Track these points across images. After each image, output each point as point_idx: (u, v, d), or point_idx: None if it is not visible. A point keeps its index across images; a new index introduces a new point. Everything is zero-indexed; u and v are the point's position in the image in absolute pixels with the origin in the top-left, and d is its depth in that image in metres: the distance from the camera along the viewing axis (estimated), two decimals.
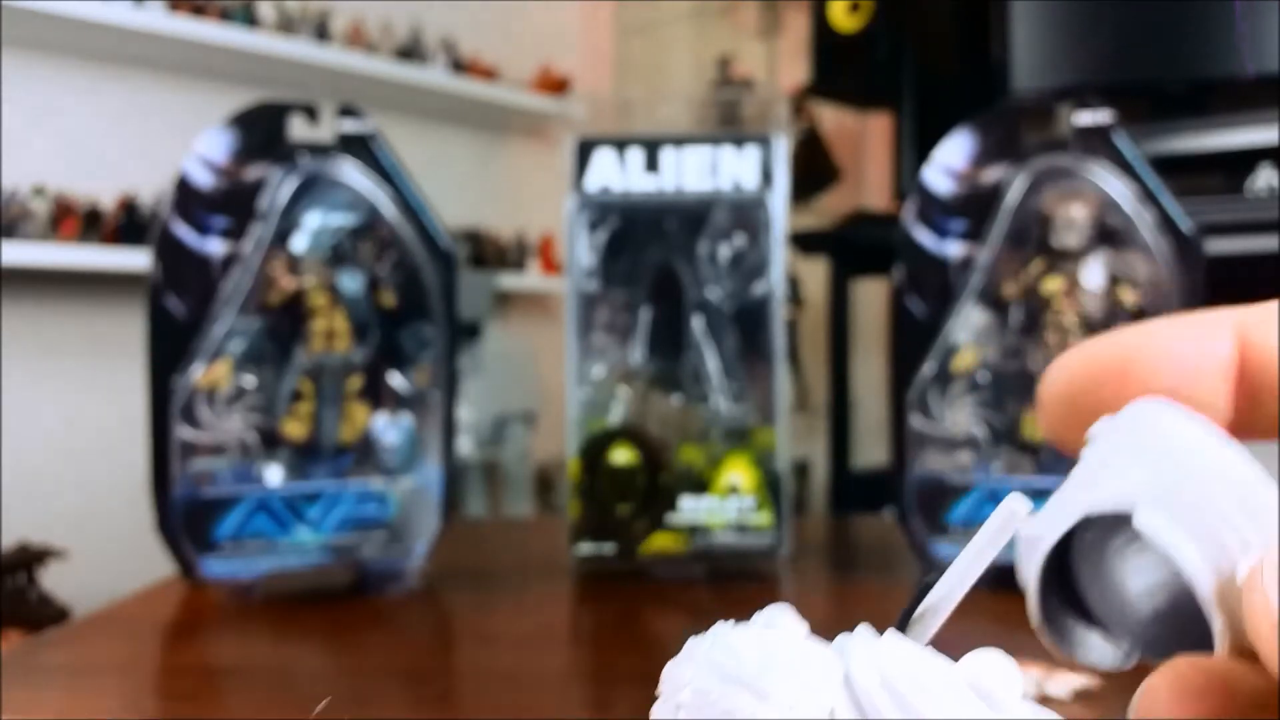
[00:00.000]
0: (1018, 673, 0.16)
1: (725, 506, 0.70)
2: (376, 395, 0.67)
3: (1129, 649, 0.18)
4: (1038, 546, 0.18)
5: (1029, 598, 0.18)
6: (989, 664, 0.17)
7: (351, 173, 0.67)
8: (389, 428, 0.67)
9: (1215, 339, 0.18)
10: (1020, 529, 0.18)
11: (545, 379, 3.09)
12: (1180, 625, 0.18)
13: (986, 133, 0.68)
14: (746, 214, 0.71)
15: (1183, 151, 1.35)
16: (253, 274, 0.64)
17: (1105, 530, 0.18)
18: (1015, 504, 0.18)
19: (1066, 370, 0.19)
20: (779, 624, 0.18)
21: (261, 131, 0.66)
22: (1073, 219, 0.66)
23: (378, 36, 2.80)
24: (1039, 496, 0.18)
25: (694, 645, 0.18)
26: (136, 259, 2.21)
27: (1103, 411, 0.18)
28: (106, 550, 2.04)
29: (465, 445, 2.65)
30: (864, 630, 0.17)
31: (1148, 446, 0.17)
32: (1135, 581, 0.18)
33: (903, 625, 0.18)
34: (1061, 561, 0.19)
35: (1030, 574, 0.18)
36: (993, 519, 0.19)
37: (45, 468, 2.30)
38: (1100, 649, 0.18)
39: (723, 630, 0.17)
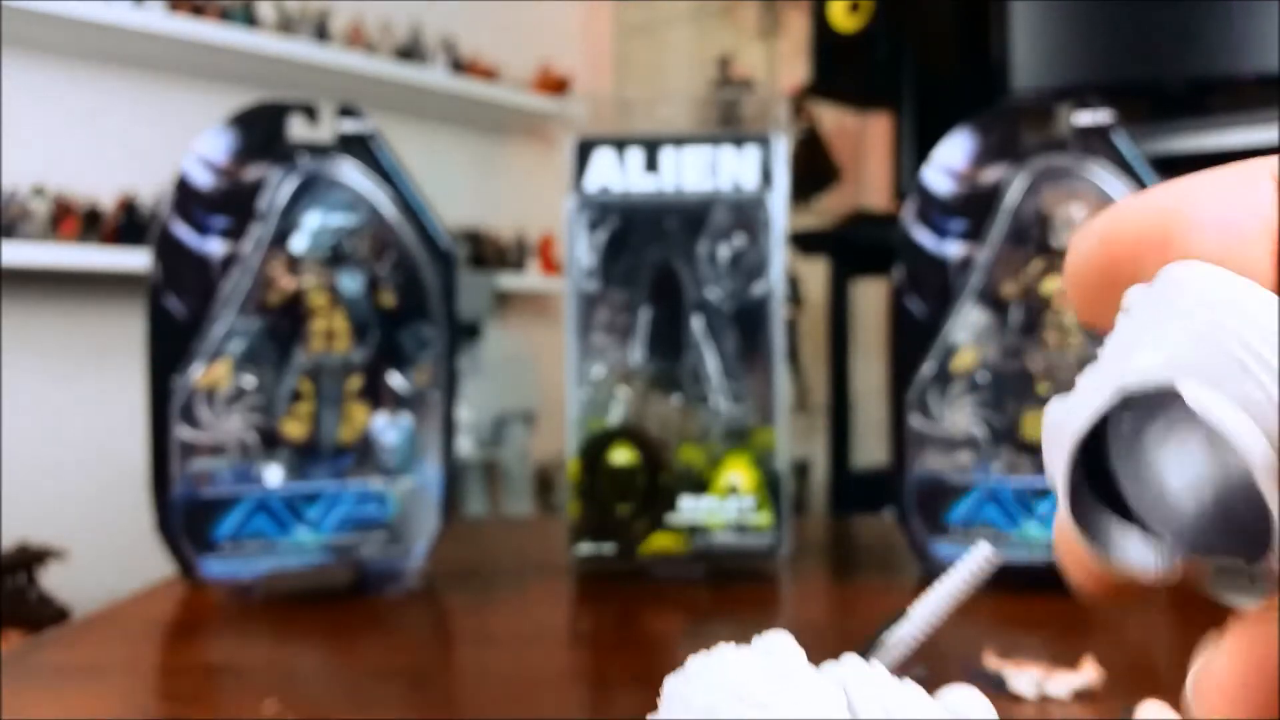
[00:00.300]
0: (990, 707, 0.17)
1: (725, 506, 0.70)
2: (376, 395, 0.67)
3: (1173, 549, 0.16)
4: (1067, 432, 0.16)
5: (1058, 493, 0.16)
6: (965, 698, 0.17)
7: (351, 173, 0.67)
8: (389, 428, 0.67)
9: (1257, 194, 0.16)
10: (1049, 413, 0.16)
11: (545, 379, 3.09)
12: (1233, 519, 0.15)
13: (986, 133, 0.68)
14: (746, 214, 0.71)
15: (1183, 151, 1.35)
16: (252, 274, 0.64)
17: (1144, 412, 0.16)
18: (985, 552, 0.18)
19: (1095, 238, 0.17)
20: (780, 649, 0.18)
21: (261, 131, 0.66)
22: (1073, 219, 0.66)
23: (378, 36, 2.80)
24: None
25: (698, 663, 0.18)
26: (136, 259, 2.21)
27: (1138, 281, 0.17)
28: (106, 550, 2.04)
29: (465, 445, 2.65)
30: (854, 660, 0.17)
31: (1189, 312, 0.15)
32: (1180, 470, 0.16)
33: (864, 654, 0.19)
34: (1095, 450, 0.16)
35: (1059, 465, 0.16)
36: (962, 565, 0.19)
37: (45, 468, 2.30)
38: (1140, 550, 0.16)
39: (727, 651, 0.17)
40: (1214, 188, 0.17)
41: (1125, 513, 0.16)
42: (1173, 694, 0.35)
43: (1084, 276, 0.18)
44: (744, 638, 0.20)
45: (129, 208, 2.36)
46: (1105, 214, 0.18)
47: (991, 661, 0.47)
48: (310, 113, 0.67)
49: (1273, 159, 0.17)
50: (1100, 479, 0.16)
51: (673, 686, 0.17)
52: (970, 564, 0.18)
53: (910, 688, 0.16)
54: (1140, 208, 0.17)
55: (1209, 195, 0.17)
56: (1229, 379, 0.14)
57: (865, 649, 0.19)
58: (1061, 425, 0.16)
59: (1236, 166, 0.17)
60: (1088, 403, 0.15)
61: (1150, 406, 0.15)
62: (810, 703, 0.16)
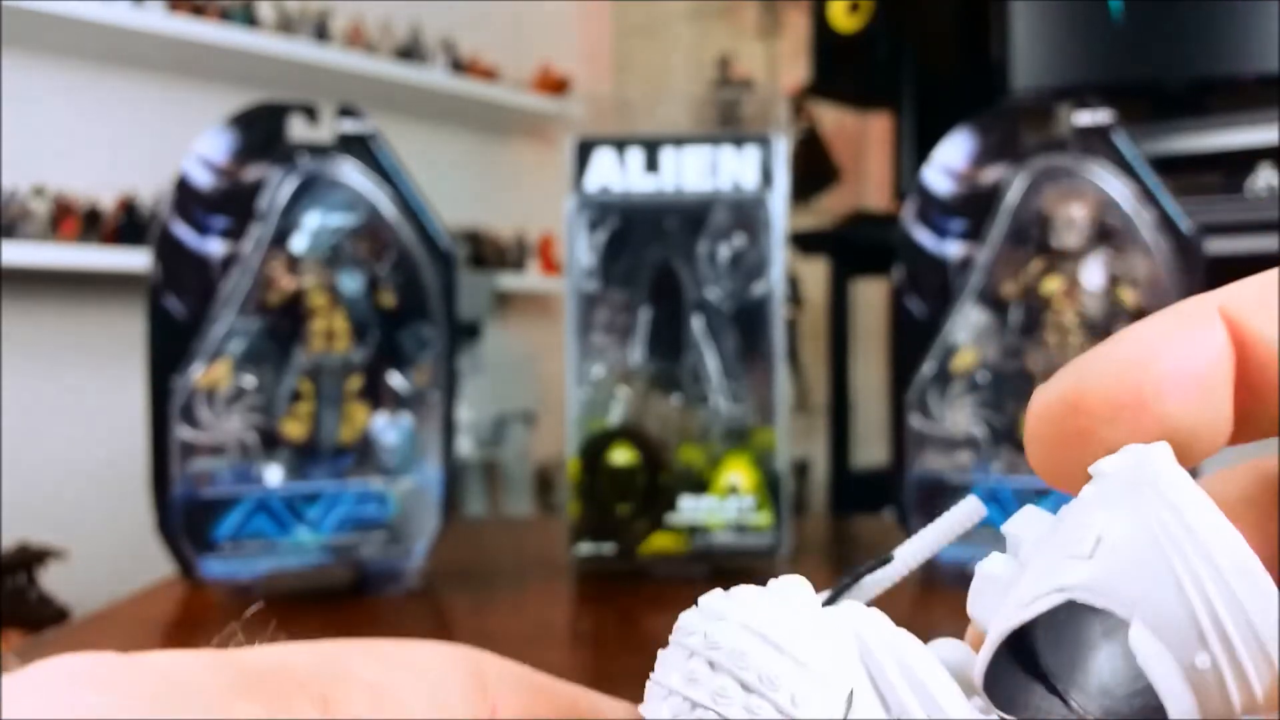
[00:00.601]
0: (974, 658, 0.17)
1: (725, 506, 0.70)
2: (376, 395, 0.67)
3: None
4: (1002, 621, 0.16)
5: (982, 649, 0.16)
6: (953, 648, 0.17)
7: (351, 173, 0.67)
8: (389, 428, 0.67)
9: (1211, 343, 0.17)
10: (987, 566, 0.17)
11: (545, 379, 3.09)
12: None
13: (986, 133, 0.68)
14: (746, 214, 0.71)
15: (1183, 151, 1.35)
16: (252, 274, 0.64)
17: (1084, 611, 0.16)
18: (973, 505, 0.18)
19: (1060, 399, 0.17)
20: (796, 592, 0.17)
21: (261, 132, 0.66)
22: (1072, 219, 0.66)
23: (378, 36, 2.80)
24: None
25: (715, 601, 0.17)
26: (136, 259, 2.21)
27: (1101, 447, 0.17)
28: (106, 550, 2.04)
29: (465, 445, 2.65)
30: (856, 606, 0.17)
31: (1157, 540, 0.15)
32: (1109, 669, 0.17)
33: (833, 599, 0.19)
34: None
35: (989, 626, 0.16)
36: (948, 516, 0.19)
37: (45, 468, 2.30)
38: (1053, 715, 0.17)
39: (745, 591, 0.17)
40: (1176, 335, 0.17)
41: (1044, 679, 0.17)
42: None
43: (1048, 439, 0.17)
44: None
45: (129, 208, 2.36)
46: (1069, 374, 0.17)
47: None
48: (310, 113, 0.67)
49: (1223, 295, 0.17)
50: (1023, 643, 0.17)
51: (688, 619, 0.18)
52: (956, 515, 0.19)
53: (909, 636, 0.16)
54: (1107, 368, 0.17)
55: (1173, 347, 0.17)
56: (1179, 637, 0.15)
57: (843, 588, 0.19)
58: (997, 586, 0.17)
59: (1189, 313, 0.17)
60: (1034, 591, 0.16)
61: (1092, 611, 0.16)
62: (827, 646, 0.16)
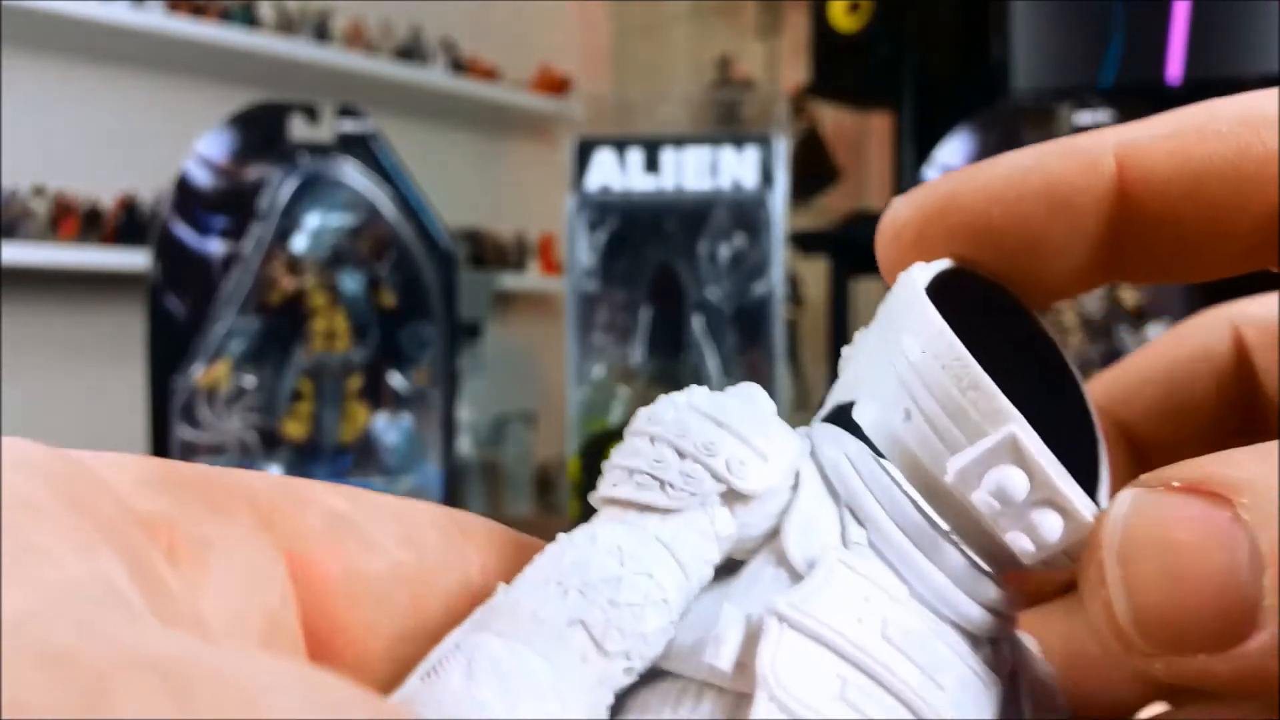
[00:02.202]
0: None
1: None
2: (376, 395, 0.67)
3: None
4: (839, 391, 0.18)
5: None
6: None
7: (351, 173, 0.67)
8: (389, 428, 0.67)
9: (1088, 170, 0.17)
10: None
11: (545, 379, 3.09)
12: None
13: (986, 133, 0.68)
14: (746, 214, 0.71)
15: None
16: (253, 274, 0.64)
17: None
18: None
19: (923, 206, 0.18)
20: (753, 395, 0.18)
21: (261, 131, 0.66)
22: None
23: (378, 36, 2.80)
24: None
25: (673, 395, 0.18)
26: (136, 259, 2.21)
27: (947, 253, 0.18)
28: None
29: (465, 445, 2.65)
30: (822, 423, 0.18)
31: (880, 323, 0.17)
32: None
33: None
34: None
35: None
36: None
37: None
38: None
39: (701, 389, 0.18)
40: (1050, 156, 0.18)
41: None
42: None
43: (907, 243, 0.18)
44: None
45: (129, 208, 2.36)
46: (941, 184, 0.18)
47: None
48: (310, 113, 0.67)
49: (1120, 132, 0.18)
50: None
51: (643, 411, 0.18)
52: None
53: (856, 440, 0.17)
54: (977, 179, 0.18)
55: (1046, 164, 0.18)
56: (881, 386, 0.16)
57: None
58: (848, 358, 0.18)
59: (1089, 137, 0.18)
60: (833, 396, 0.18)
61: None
62: (781, 436, 0.17)
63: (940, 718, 0.15)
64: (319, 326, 0.65)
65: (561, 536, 0.16)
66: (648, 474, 0.16)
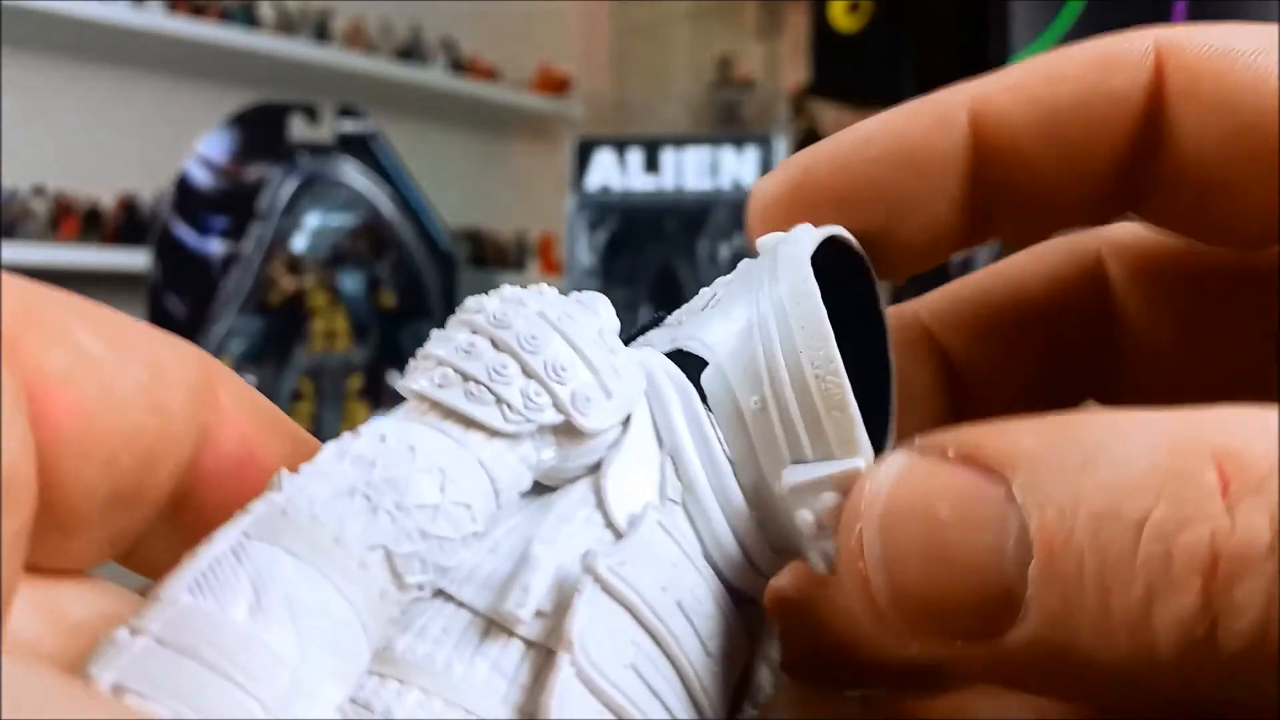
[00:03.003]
0: None
1: None
2: (377, 395, 0.67)
3: None
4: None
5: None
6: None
7: (351, 173, 0.67)
8: None
9: (943, 131, 0.17)
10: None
11: None
12: None
13: None
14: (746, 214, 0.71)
15: None
16: (253, 274, 0.64)
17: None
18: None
19: (791, 179, 0.18)
20: (602, 308, 0.17)
21: (261, 131, 0.66)
22: None
23: (378, 36, 2.80)
24: None
25: (512, 289, 0.16)
26: (137, 259, 2.21)
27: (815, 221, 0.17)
28: None
29: None
30: (651, 350, 0.17)
31: (750, 292, 0.16)
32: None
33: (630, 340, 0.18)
34: None
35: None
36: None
37: None
38: None
39: (552, 289, 0.17)
40: (897, 119, 0.18)
41: None
42: None
43: (775, 216, 0.18)
44: None
45: (129, 208, 2.36)
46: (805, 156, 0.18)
47: None
48: (310, 113, 0.67)
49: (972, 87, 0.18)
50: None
51: (476, 299, 0.16)
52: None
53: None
54: (831, 148, 0.18)
55: (890, 126, 0.18)
56: (739, 364, 0.16)
57: (640, 331, 0.18)
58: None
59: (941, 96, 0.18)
60: (659, 342, 0.17)
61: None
62: (620, 363, 0.16)
63: (704, 686, 0.14)
64: (319, 326, 0.65)
65: (364, 431, 0.14)
66: (485, 385, 0.14)
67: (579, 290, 0.17)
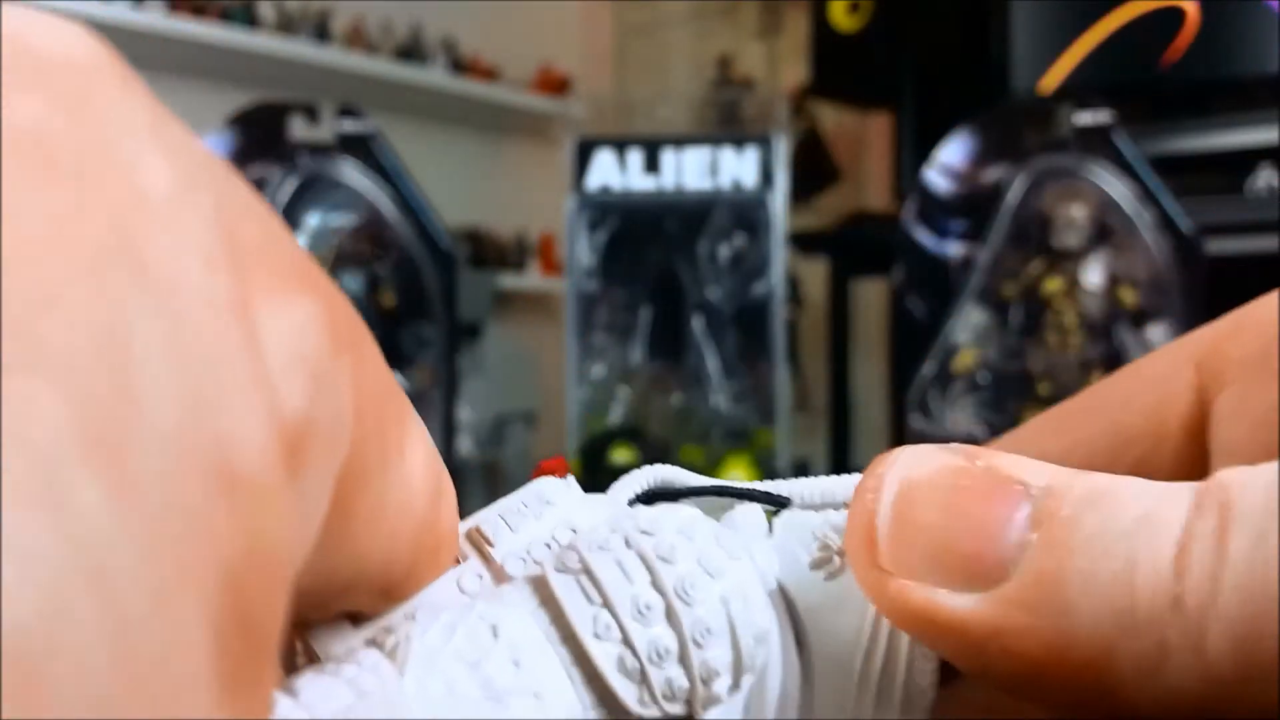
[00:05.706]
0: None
1: None
2: None
3: None
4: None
5: None
6: None
7: (351, 173, 0.67)
8: None
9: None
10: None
11: (545, 379, 3.09)
12: None
13: (986, 133, 0.68)
14: (746, 214, 0.71)
15: (1183, 151, 1.35)
16: None
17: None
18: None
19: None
20: (747, 521, 0.16)
21: (261, 131, 0.66)
22: (1072, 219, 0.66)
23: (378, 36, 2.80)
24: None
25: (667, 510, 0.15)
26: None
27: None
28: None
29: (465, 445, 2.65)
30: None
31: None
32: None
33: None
34: None
35: None
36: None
37: None
38: None
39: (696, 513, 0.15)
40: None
41: None
42: None
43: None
44: None
45: None
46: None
47: None
48: (310, 113, 0.67)
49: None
50: None
51: (677, 542, 0.14)
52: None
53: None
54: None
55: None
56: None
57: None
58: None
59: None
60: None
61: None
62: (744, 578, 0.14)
63: None
64: None
65: (501, 637, 0.13)
66: (640, 662, 0.13)
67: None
